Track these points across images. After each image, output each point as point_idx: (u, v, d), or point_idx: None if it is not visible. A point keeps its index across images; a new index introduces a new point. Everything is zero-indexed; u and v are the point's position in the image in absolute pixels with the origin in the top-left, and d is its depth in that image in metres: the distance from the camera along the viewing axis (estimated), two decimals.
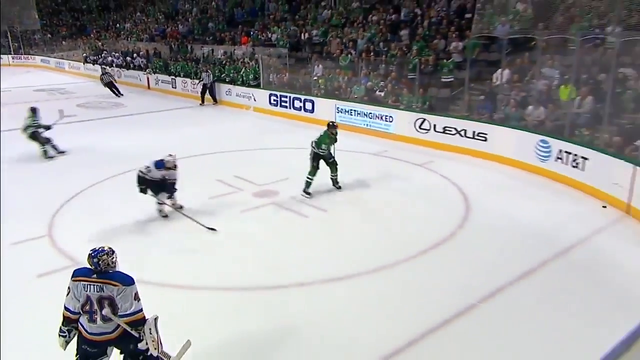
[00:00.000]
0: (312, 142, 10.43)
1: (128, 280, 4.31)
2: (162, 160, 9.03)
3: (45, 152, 13.61)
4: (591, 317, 6.17)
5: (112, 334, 4.30)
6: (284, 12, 24.76)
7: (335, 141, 10.55)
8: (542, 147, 11.35)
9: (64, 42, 36.68)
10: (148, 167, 9.06)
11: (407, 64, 15.88)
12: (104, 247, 4.40)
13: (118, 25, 35.93)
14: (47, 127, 13.68)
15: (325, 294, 6.90)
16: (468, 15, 16.59)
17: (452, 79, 15.20)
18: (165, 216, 9.38)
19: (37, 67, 36.20)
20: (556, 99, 12.27)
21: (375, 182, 11.26)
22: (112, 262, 4.38)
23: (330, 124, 10.62)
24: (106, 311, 4.18)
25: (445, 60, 15.53)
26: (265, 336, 6.00)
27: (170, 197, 9.39)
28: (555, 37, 12.61)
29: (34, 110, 14.02)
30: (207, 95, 21.88)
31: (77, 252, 7.95)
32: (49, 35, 38.95)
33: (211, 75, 21.77)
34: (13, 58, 38.44)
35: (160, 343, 4.35)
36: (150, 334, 4.27)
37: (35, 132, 13.43)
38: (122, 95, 24.49)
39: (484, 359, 5.56)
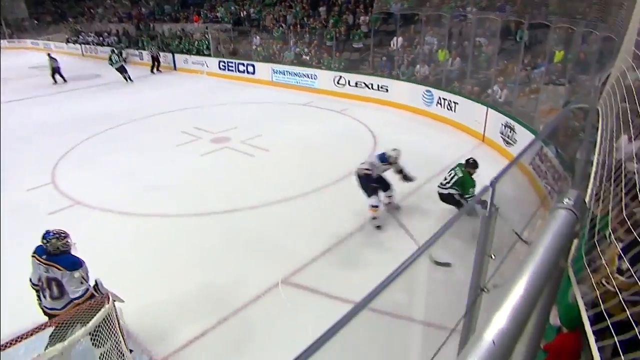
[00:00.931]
0: (447, 185, 6.40)
1: (72, 266, 3.56)
2: (384, 153, 6.54)
3: None
4: None
5: (60, 310, 3.64)
6: None
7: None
8: (427, 95, 11.51)
9: (49, 28, 33.93)
10: (371, 162, 6.41)
11: (326, 35, 15.54)
12: (57, 231, 3.65)
13: (92, 10, 33.33)
14: None
15: (270, 213, 6.86)
16: None
17: (361, 46, 15.09)
18: (379, 227, 6.35)
19: (29, 48, 33.44)
20: (435, 60, 12.43)
21: (306, 126, 11.18)
22: (63, 245, 3.61)
23: (472, 161, 6.44)
24: (54, 292, 3.58)
25: (355, 31, 15.27)
26: (224, 249, 6.00)
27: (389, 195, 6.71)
28: (433, 14, 12.71)
29: None
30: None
31: (75, 194, 7.75)
32: (36, 22, 36.06)
33: (156, 47, 20.94)
34: (8, 42, 35.45)
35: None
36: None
37: None
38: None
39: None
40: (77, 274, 3.57)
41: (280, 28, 17.68)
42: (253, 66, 16.88)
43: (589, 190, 2.21)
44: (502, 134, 8.82)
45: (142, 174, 8.57)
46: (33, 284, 3.78)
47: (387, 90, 12.78)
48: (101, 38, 27.01)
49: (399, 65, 13.05)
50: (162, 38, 22.62)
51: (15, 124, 12.54)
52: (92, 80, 19.56)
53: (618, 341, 1.63)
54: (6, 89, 17.79)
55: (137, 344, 4.28)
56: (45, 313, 3.71)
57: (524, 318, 1.05)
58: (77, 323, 3.36)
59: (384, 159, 6.43)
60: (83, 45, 28.00)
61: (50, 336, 3.47)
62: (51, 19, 35.38)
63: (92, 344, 3.35)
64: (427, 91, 11.50)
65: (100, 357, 3.53)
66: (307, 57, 15.74)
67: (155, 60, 20.43)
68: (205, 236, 6.32)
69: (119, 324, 3.58)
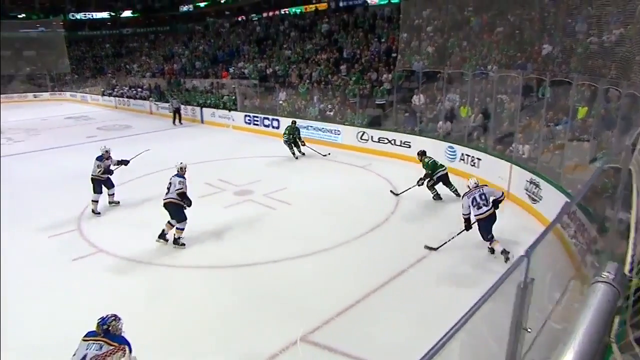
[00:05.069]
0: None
1: (129, 346, 3.74)
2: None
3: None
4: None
5: None
6: (254, 53, 24.51)
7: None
8: (450, 151, 11.47)
9: (87, 81, 35.90)
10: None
11: (348, 92, 15.89)
12: (113, 315, 3.85)
13: (127, 66, 35.13)
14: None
15: (294, 268, 6.77)
16: (394, 55, 16.72)
17: (384, 102, 15.33)
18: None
19: (67, 100, 35.39)
20: (458, 116, 12.49)
21: (329, 181, 11.21)
22: (119, 327, 3.84)
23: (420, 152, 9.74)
24: None
25: (378, 88, 15.58)
26: (243, 302, 5.90)
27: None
28: (454, 72, 12.90)
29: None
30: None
31: (98, 242, 7.84)
32: (76, 76, 38.23)
33: (179, 100, 21.93)
34: (50, 94, 37.59)
35: None
36: None
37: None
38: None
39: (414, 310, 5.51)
40: (132, 355, 3.72)
41: (305, 84, 18.19)
42: (278, 120, 17.24)
43: (628, 258, 2.09)
44: (527, 190, 8.65)
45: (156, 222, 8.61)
46: None
47: (409, 146, 12.79)
48: (134, 91, 28.28)
49: (421, 122, 13.15)
50: (191, 92, 23.48)
51: (46, 171, 12.97)
52: (122, 131, 20.29)
53: None
54: (44, 137, 18.92)
55: None
56: None
57: None
58: None
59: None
60: (116, 98, 29.23)
61: None
62: (90, 74, 37.30)
63: None
64: (450, 147, 11.47)
65: None
66: (331, 113, 16.03)
67: (177, 112, 21.16)
68: (225, 289, 6.26)
69: None
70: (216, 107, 20.80)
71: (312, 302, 5.78)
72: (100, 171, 9.10)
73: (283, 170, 12.22)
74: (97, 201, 9.21)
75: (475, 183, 6.87)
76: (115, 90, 30.59)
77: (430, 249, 7.00)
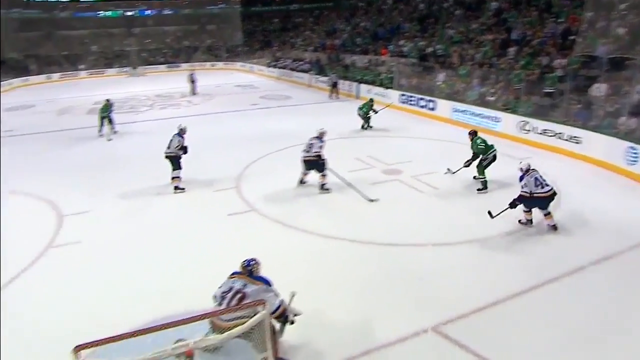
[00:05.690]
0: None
1: (269, 283, 4.28)
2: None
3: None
4: None
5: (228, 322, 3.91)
6: (415, 31, 24.00)
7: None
8: (631, 153, 10.01)
9: (255, 53, 39.13)
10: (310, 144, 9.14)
11: (514, 76, 14.72)
12: (255, 259, 4.40)
13: (292, 40, 37.18)
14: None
15: (435, 254, 6.70)
16: (572, 37, 14.94)
17: (554, 90, 13.81)
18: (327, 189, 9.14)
19: (237, 70, 39.24)
20: None
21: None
22: (259, 270, 4.39)
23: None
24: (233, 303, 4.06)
25: (548, 74, 14.12)
26: (380, 282, 6.02)
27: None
28: None
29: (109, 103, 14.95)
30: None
31: (253, 201, 8.74)
32: (246, 48, 42.11)
33: (337, 75, 22.64)
34: (224, 64, 42.01)
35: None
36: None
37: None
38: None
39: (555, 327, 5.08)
40: (273, 288, 4.24)
41: (467, 66, 17.31)
42: (434, 102, 16.78)
43: None
44: None
45: (312, 192, 9.16)
46: (215, 298, 4.28)
47: (579, 141, 11.47)
48: (296, 64, 30.03)
49: (598, 115, 11.63)
50: (349, 68, 24.03)
51: (217, 132, 14.60)
52: (282, 101, 21.69)
53: None
54: (217, 102, 21.44)
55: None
56: (213, 324, 4.01)
57: None
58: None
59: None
60: (279, 70, 31.24)
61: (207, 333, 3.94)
62: (258, 46, 40.43)
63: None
64: (632, 148, 9.97)
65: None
66: (492, 98, 15.06)
67: (335, 86, 21.84)
68: (362, 264, 6.45)
69: (273, 334, 3.91)
70: (372, 83, 20.98)
71: (450, 293, 5.67)
72: (177, 147, 9.36)
73: (434, 154, 11.95)
74: (178, 177, 9.43)
75: (527, 164, 7.33)
76: (279, 62, 32.69)
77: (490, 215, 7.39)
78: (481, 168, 9.26)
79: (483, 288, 5.73)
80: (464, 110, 15.20)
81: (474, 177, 9.61)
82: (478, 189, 9.22)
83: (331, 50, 28.69)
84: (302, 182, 9.46)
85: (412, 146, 12.81)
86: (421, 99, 17.48)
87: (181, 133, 9.47)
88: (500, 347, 4.67)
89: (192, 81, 24.68)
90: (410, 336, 4.85)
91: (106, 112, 14.77)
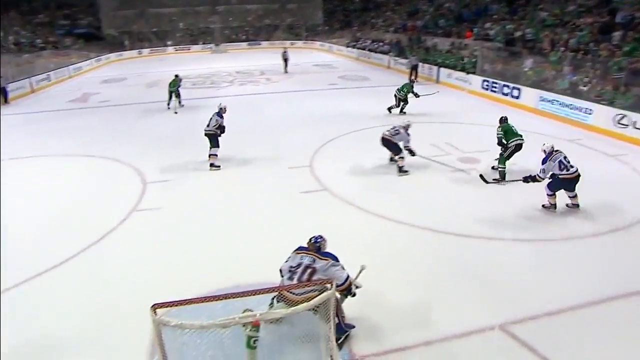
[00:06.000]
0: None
1: (336, 259, 4.38)
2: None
3: None
4: None
5: (299, 295, 4.00)
6: (504, 13, 22.66)
7: None
8: None
9: (335, 33, 39.20)
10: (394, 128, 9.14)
11: (613, 64, 13.44)
12: (322, 236, 4.56)
13: (373, 20, 36.62)
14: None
15: (511, 250, 6.40)
16: None
17: None
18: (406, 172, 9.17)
19: (316, 49, 39.56)
20: None
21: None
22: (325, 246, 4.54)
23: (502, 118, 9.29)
24: (303, 278, 4.19)
25: None
26: (450, 273, 5.86)
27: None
28: None
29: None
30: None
31: (326, 180, 8.86)
32: (326, 27, 42.26)
33: (417, 58, 21.82)
34: (304, 43, 42.59)
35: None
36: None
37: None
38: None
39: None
40: (339, 264, 4.35)
41: (558, 52, 16.11)
42: (519, 89, 15.81)
43: None
44: None
45: (383, 176, 9.16)
46: (282, 272, 4.46)
47: None
48: (376, 45, 29.51)
49: None
50: (430, 50, 23.23)
51: (294, 110, 14.85)
52: (360, 82, 21.54)
53: None
54: (295, 80, 21.99)
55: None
56: (284, 297, 4.07)
57: None
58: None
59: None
60: (359, 50, 30.91)
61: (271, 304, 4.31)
62: (338, 26, 40.27)
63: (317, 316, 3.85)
64: None
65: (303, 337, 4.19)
66: (586, 88, 13.92)
67: (414, 69, 21.22)
68: (432, 253, 6.31)
69: (337, 311, 4.13)
70: (454, 68, 20.19)
71: (521, 292, 5.39)
72: (215, 126, 9.51)
73: None
74: (215, 155, 9.63)
75: (551, 146, 7.17)
76: (359, 42, 32.35)
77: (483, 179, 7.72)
78: (502, 158, 8.79)
79: (558, 291, 5.38)
80: (552, 100, 14.20)
81: (492, 167, 9.20)
82: (493, 179, 8.65)
83: (412, 31, 27.91)
84: (391, 159, 9.52)
85: (492, 135, 12.12)
86: (505, 85, 16.53)
87: (221, 112, 9.68)
88: (570, 355, 4.41)
89: (285, 59, 25.21)
90: (475, 331, 4.70)
91: (174, 86, 15.66)
